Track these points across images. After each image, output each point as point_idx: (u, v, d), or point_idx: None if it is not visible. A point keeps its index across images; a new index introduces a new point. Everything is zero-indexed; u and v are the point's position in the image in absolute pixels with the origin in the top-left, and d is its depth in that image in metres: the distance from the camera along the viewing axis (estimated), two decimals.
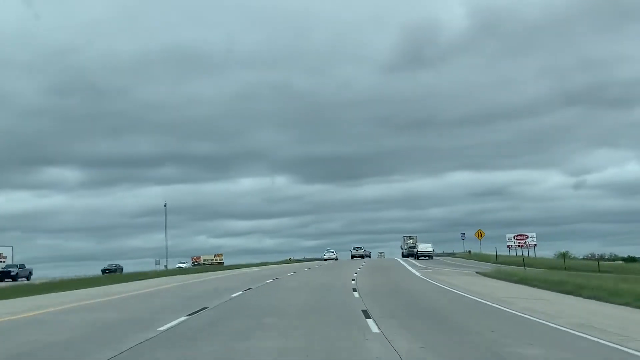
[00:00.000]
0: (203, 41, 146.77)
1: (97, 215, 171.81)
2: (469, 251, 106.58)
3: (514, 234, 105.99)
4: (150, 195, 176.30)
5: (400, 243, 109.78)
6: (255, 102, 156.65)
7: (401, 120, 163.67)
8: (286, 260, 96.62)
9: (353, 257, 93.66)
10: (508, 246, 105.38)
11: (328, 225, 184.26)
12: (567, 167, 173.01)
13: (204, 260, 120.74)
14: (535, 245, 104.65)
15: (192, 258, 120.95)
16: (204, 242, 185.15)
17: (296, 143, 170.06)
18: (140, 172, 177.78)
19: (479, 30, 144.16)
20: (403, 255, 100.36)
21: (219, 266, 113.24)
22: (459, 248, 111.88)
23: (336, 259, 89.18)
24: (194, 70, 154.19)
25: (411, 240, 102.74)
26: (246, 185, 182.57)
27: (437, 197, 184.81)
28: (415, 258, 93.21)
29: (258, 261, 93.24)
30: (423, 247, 76.35)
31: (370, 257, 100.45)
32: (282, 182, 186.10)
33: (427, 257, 74.02)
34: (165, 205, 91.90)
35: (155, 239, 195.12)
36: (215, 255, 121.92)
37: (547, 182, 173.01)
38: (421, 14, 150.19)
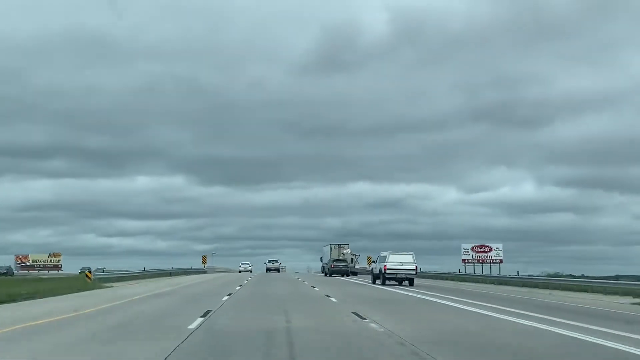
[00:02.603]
0: (109, 27, 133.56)
1: None
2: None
3: (471, 245, 78.09)
4: (38, 188, 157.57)
5: (319, 254, 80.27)
6: (159, 96, 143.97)
7: (308, 126, 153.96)
8: (165, 272, 64.83)
9: (268, 270, 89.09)
10: (464, 260, 77.51)
11: (223, 230, 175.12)
12: (463, 183, 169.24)
13: (34, 260, 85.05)
14: (501, 260, 77.26)
15: (16, 257, 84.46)
16: (91, 240, 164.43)
17: (197, 142, 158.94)
18: (28, 164, 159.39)
19: (399, 37, 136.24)
20: (326, 273, 70.57)
21: (54, 271, 79.00)
22: None
23: (251, 271, 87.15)
24: (97, 58, 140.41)
25: (343, 252, 72.96)
26: (142, 183, 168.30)
27: (334, 207, 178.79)
28: (344, 276, 65.57)
29: (134, 268, 62.98)
30: (395, 263, 40.27)
31: (279, 271, 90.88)
32: (179, 183, 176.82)
33: (403, 282, 41.25)
34: None
35: (40, 235, 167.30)
36: (50, 255, 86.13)
37: (442, 197, 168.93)
38: (343, 15, 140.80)
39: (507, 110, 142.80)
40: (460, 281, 54.40)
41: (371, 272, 45.74)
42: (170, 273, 61.14)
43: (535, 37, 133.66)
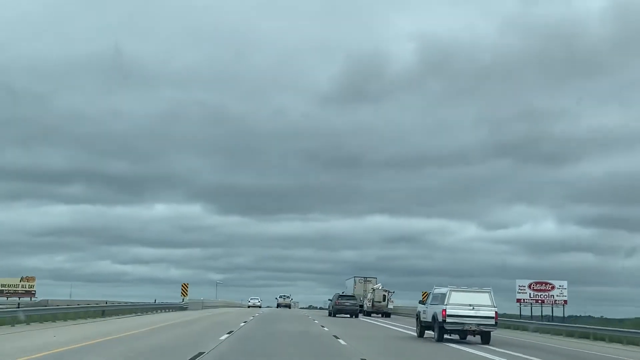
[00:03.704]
0: (136, 53, 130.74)
1: None
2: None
3: (529, 281, 63.59)
4: (55, 213, 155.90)
5: (335, 288, 67.27)
6: (181, 123, 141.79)
7: (328, 156, 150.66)
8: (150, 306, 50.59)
9: (279, 305, 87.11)
10: (519, 300, 63.03)
11: (237, 260, 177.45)
12: (483, 219, 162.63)
13: (2, 285, 71.92)
14: (566, 302, 62.66)
15: None
16: (106, 267, 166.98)
17: (217, 171, 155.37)
18: (47, 188, 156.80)
19: (425, 68, 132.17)
20: (330, 312, 55.88)
21: (25, 298, 65.99)
22: None
23: (260, 307, 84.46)
24: (121, 83, 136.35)
25: (371, 287, 58.78)
26: (159, 211, 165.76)
27: (350, 239, 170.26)
28: (352, 316, 52.51)
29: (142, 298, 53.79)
30: (462, 307, 26.01)
31: (290, 307, 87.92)
32: (197, 211, 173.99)
33: (467, 335, 27.24)
34: None
35: (55, 261, 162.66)
36: (23, 279, 72.81)
37: (461, 233, 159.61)
38: (368, 45, 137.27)
39: (532, 146, 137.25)
40: (545, 333, 39.86)
41: (417, 318, 31.01)
42: (104, 312, 38.48)
43: (564, 71, 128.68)
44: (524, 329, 42.43)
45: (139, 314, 44.06)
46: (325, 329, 32.23)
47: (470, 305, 26.38)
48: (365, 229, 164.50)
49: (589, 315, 72.17)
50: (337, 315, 52.99)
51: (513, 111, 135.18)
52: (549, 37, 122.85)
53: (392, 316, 55.95)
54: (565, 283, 63.20)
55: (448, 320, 26.22)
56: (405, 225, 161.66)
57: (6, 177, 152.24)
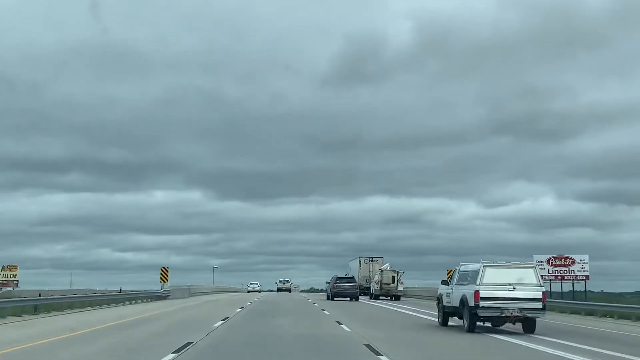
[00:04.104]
0: (131, 38, 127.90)
1: None
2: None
3: (548, 256, 58.97)
4: (54, 202, 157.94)
5: (336, 270, 62.48)
6: (178, 109, 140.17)
7: (327, 139, 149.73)
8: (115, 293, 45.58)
9: (279, 290, 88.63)
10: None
11: (238, 244, 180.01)
12: (483, 198, 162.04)
13: None
14: (588, 277, 58.11)
15: None
16: (107, 255, 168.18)
17: (215, 156, 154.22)
18: (45, 177, 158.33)
19: (424, 47, 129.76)
20: (329, 296, 51.56)
21: (8, 289, 61.49)
22: None
23: (259, 291, 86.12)
24: (117, 70, 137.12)
25: (379, 268, 54.17)
26: (158, 197, 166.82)
27: (350, 221, 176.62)
28: (352, 299, 48.33)
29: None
30: (500, 288, 20.91)
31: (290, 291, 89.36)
32: (196, 197, 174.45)
33: (506, 322, 21.90)
34: None
35: (56, 250, 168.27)
36: (4, 268, 68.02)
37: (461, 212, 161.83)
38: (366, 25, 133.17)
39: (531, 123, 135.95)
40: (575, 313, 35.19)
41: (438, 302, 26.24)
42: (36, 307, 29.31)
43: (563, 47, 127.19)
44: (551, 309, 37.86)
45: (89, 308, 34.18)
46: (345, 328, 27.34)
47: (510, 284, 21.56)
48: (366, 210, 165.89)
49: (589, 290, 67.25)
50: (335, 299, 48.69)
51: (512, 88, 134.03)
52: (548, 11, 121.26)
53: (401, 299, 51.36)
54: (586, 257, 58.57)
55: (482, 304, 21.32)
56: (406, 206, 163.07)
57: (4, 167, 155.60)
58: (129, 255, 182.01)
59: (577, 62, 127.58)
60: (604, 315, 32.49)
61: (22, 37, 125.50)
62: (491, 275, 21.71)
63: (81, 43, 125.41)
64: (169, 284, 51.04)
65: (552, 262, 58.27)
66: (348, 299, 48.87)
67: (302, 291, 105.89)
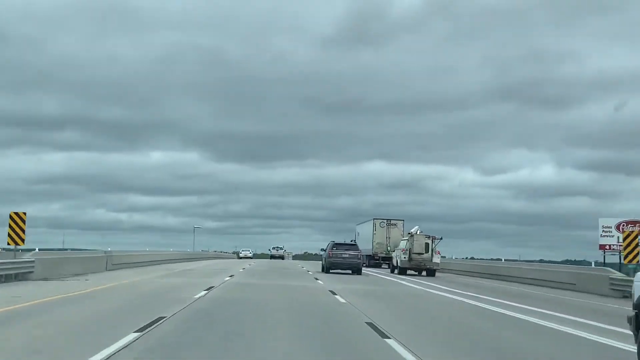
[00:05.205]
0: None
1: None
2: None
3: (618, 220, 46.30)
4: (50, 160, 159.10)
5: (333, 235, 56.57)
6: (178, 68, 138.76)
7: (328, 101, 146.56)
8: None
9: (272, 257, 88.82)
10: (603, 247, 45.80)
11: (234, 207, 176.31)
12: (481, 165, 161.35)
13: None
14: None
15: None
16: (101, 215, 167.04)
17: (213, 116, 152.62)
18: (41, 135, 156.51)
19: (429, 8, 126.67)
20: (324, 267, 39.93)
21: None
22: None
23: (251, 257, 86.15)
24: (117, 27, 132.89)
25: (399, 233, 42.19)
26: (155, 158, 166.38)
27: (347, 186, 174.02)
28: (354, 273, 37.61)
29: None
30: None
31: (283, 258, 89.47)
32: (193, 158, 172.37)
33: None
34: None
35: (51, 209, 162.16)
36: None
37: (458, 179, 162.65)
38: None
39: (535, 89, 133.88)
40: None
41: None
42: None
43: (573, 11, 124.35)
44: None
45: None
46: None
47: None
48: (363, 175, 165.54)
49: (584, 259, 67.54)
50: (331, 272, 37.51)
51: (518, 52, 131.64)
52: None
53: (436, 275, 38.54)
54: None
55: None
56: (404, 171, 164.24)
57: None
58: (124, 216, 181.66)
59: (586, 27, 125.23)
60: None
61: None
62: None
63: None
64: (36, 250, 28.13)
65: (623, 228, 45.53)
66: (350, 272, 37.48)
67: (295, 255, 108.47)
